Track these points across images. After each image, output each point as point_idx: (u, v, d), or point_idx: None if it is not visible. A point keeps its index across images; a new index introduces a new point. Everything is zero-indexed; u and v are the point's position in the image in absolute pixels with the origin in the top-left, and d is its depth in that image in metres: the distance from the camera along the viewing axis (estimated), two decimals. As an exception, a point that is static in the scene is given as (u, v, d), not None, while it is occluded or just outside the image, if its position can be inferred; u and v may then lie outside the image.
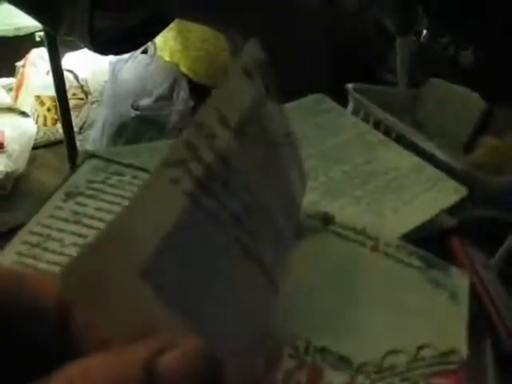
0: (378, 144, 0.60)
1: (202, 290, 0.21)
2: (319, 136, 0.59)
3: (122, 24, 1.02)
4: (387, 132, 0.65)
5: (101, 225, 0.34)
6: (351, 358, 0.28)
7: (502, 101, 0.74)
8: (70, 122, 1.73)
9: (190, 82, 1.90)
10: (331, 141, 0.58)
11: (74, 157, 1.70)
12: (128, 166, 0.41)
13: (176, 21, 1.54)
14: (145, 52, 1.92)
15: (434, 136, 0.71)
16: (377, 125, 0.67)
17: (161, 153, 0.46)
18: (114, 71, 1.84)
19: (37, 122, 1.95)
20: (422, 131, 0.69)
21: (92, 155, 0.42)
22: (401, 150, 0.59)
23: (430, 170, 0.57)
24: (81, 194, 0.37)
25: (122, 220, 0.19)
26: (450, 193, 0.54)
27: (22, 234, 0.33)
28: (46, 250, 0.32)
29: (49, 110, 1.98)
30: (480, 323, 0.47)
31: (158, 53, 1.94)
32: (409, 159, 0.58)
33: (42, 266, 0.31)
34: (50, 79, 1.72)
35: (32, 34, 1.97)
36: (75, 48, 1.94)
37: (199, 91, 1.88)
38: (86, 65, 1.99)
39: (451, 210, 0.55)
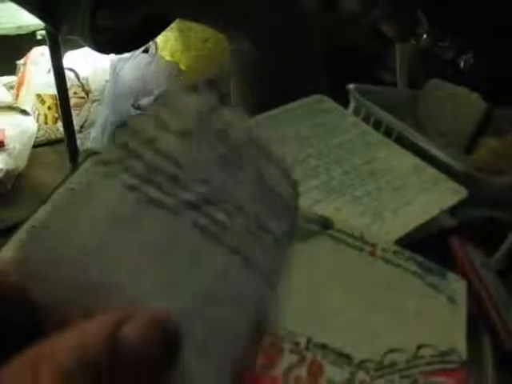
0: (378, 144, 0.60)
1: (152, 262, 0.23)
2: (320, 136, 0.59)
3: (124, 23, 1.02)
4: (388, 132, 0.65)
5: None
6: (351, 354, 0.29)
7: (501, 101, 0.74)
8: (71, 120, 1.73)
9: (190, 81, 1.90)
10: (332, 141, 0.59)
11: (74, 155, 1.70)
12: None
13: (177, 21, 1.54)
14: (146, 51, 1.92)
15: (435, 136, 0.72)
16: (377, 125, 0.67)
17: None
18: (115, 70, 1.84)
19: (37, 121, 1.95)
20: (422, 131, 0.69)
21: (93, 153, 0.42)
22: (401, 150, 0.60)
23: (430, 170, 0.57)
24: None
25: (63, 210, 0.22)
26: (450, 194, 0.54)
27: (23, 232, 0.33)
28: None
29: (49, 108, 1.98)
30: (479, 322, 0.48)
31: (159, 52, 1.94)
32: (409, 160, 0.59)
33: None
34: (50, 78, 1.72)
35: (33, 33, 1.97)
36: (76, 47, 1.94)
37: (200, 91, 1.88)
38: (87, 63, 1.99)
39: (451, 210, 0.55)
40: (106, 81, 1.92)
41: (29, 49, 2.01)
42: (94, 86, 2.00)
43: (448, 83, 0.80)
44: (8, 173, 1.73)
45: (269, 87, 0.91)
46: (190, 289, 0.24)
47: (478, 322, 0.48)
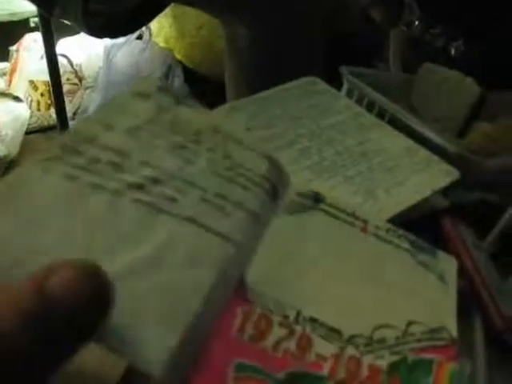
0: (371, 126, 0.60)
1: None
2: (312, 117, 0.59)
3: (117, 7, 1.01)
4: (381, 114, 0.65)
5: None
6: (341, 329, 0.28)
7: (494, 86, 0.74)
8: (64, 107, 1.73)
9: (184, 68, 1.89)
10: (324, 122, 0.58)
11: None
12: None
13: (172, 7, 1.53)
14: (140, 38, 1.91)
15: (428, 120, 0.71)
16: (370, 107, 0.67)
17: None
18: (109, 57, 1.83)
19: (30, 107, 1.94)
20: (416, 115, 0.69)
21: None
22: (394, 132, 0.59)
23: (423, 152, 0.57)
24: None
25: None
26: (442, 175, 0.54)
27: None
28: None
29: (42, 95, 1.97)
30: (471, 304, 0.48)
31: (153, 39, 1.93)
32: (402, 141, 0.58)
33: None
34: (43, 64, 1.71)
35: (26, 20, 1.96)
36: (70, 33, 1.93)
37: (194, 78, 1.87)
38: (80, 50, 1.98)
39: (443, 192, 0.55)
40: (100, 67, 1.91)
41: (22, 36, 2.00)
42: (87, 72, 1.99)
43: (442, 68, 0.79)
44: (0, 159, 1.72)
45: (264, 73, 0.91)
46: (129, 253, 0.25)
47: (469, 304, 0.48)
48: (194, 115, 0.34)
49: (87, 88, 1.98)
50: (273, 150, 0.52)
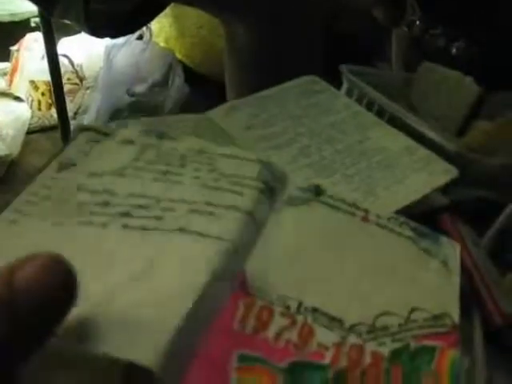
0: (370, 124, 0.60)
1: None
2: (312, 115, 0.59)
3: (117, 7, 1.02)
4: (380, 113, 0.65)
5: (94, 195, 0.34)
6: (343, 318, 0.28)
7: (493, 86, 0.74)
8: (65, 107, 1.73)
9: (185, 68, 1.90)
10: (324, 120, 0.58)
11: (67, 142, 1.69)
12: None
13: (172, 7, 1.53)
14: (140, 38, 1.91)
15: (428, 119, 0.71)
16: (370, 106, 0.67)
17: (153, 128, 0.46)
18: (109, 57, 1.83)
19: (31, 107, 1.95)
20: (415, 114, 0.69)
21: (86, 128, 0.42)
22: (393, 130, 0.60)
23: (422, 150, 0.57)
24: (74, 165, 0.37)
25: None
26: (442, 173, 0.54)
27: (16, 203, 0.33)
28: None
29: (43, 94, 1.97)
30: (470, 300, 0.48)
31: (154, 39, 1.93)
32: (401, 140, 0.58)
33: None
34: (44, 64, 1.71)
35: (27, 20, 1.96)
36: (71, 33, 1.94)
37: (194, 78, 1.88)
38: (81, 50, 1.99)
39: (443, 190, 0.55)
40: (100, 67, 1.91)
41: (23, 36, 2.01)
42: (87, 72, 1.99)
43: (442, 67, 0.79)
44: (1, 159, 1.72)
45: (264, 73, 0.91)
46: (118, 270, 0.25)
47: (468, 301, 0.48)
48: (178, 143, 0.35)
49: (88, 88, 1.98)
50: (272, 148, 0.53)
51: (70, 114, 1.85)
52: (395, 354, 0.28)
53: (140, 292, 0.24)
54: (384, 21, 0.82)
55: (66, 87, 1.85)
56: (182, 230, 0.28)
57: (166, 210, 0.30)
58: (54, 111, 1.88)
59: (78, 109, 1.98)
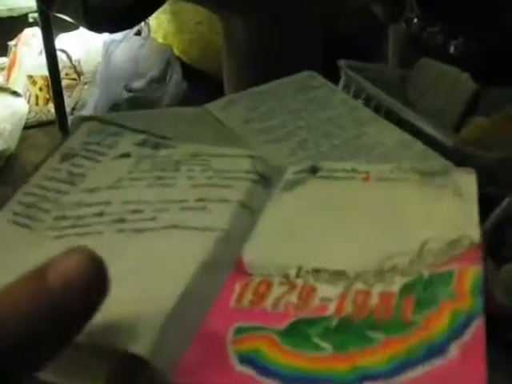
0: (367, 120, 0.60)
1: None
2: (309, 110, 0.59)
3: (116, 2, 1.02)
4: (377, 108, 0.65)
5: (94, 186, 0.34)
6: (346, 270, 0.27)
7: (492, 83, 0.75)
8: (62, 102, 1.73)
9: (183, 64, 1.90)
10: (321, 115, 0.59)
11: (68, 133, 1.69)
12: (124, 127, 0.41)
13: (170, 3, 1.53)
14: (138, 33, 1.91)
15: (425, 115, 0.72)
16: (367, 101, 0.67)
17: (154, 119, 0.46)
18: (107, 52, 1.83)
19: (29, 102, 1.95)
20: (412, 110, 0.70)
21: (88, 118, 0.42)
22: (390, 126, 0.60)
23: (419, 146, 0.57)
24: (76, 155, 0.37)
25: None
26: (438, 168, 0.55)
27: (19, 195, 0.34)
28: (41, 210, 0.32)
29: (41, 89, 1.97)
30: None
31: (152, 35, 1.93)
32: (397, 135, 0.59)
33: (36, 225, 0.31)
34: (42, 59, 1.71)
35: (25, 15, 1.96)
36: (69, 28, 1.94)
37: (192, 74, 1.88)
38: (79, 45, 1.98)
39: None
40: (99, 63, 1.91)
41: (21, 31, 2.00)
42: (86, 67, 1.99)
43: (439, 63, 0.80)
44: (-2, 153, 1.72)
45: (262, 69, 0.91)
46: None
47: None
48: (174, 150, 0.36)
49: (86, 83, 1.98)
50: (271, 141, 0.53)
51: (68, 109, 1.85)
52: (406, 288, 0.25)
53: (131, 285, 0.24)
54: (383, 17, 0.82)
55: (64, 82, 1.85)
56: (174, 226, 0.29)
57: (159, 211, 0.30)
58: (51, 106, 1.88)
59: (75, 104, 1.98)
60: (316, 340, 0.23)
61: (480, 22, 0.91)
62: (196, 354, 0.22)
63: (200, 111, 0.55)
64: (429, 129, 0.62)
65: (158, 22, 1.90)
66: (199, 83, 1.78)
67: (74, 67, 1.97)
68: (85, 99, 1.95)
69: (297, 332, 0.24)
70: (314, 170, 0.35)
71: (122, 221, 0.30)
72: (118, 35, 1.83)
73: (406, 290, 0.25)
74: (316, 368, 0.22)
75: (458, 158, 0.56)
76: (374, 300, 0.25)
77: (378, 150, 0.55)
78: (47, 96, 1.95)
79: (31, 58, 1.94)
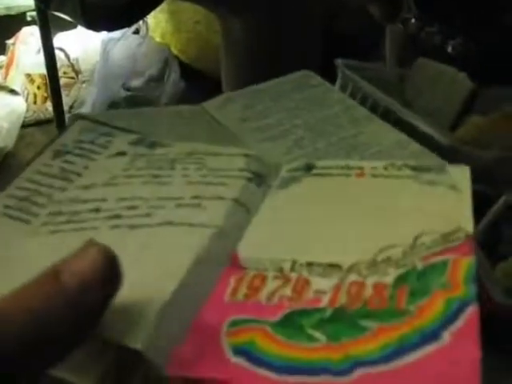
0: (363, 119, 0.60)
1: None
2: (306, 109, 0.59)
3: (114, 0, 1.02)
4: (374, 107, 0.65)
5: (90, 183, 0.34)
6: (340, 263, 0.27)
7: (488, 81, 0.75)
8: (60, 100, 1.73)
9: (180, 63, 1.90)
10: (317, 114, 0.59)
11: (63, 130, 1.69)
12: (116, 127, 0.41)
13: (168, 2, 1.53)
14: (136, 32, 1.91)
15: (422, 115, 0.72)
16: (364, 100, 0.67)
17: (148, 118, 0.46)
18: (105, 51, 1.83)
19: (26, 100, 1.95)
20: (409, 109, 0.70)
21: (81, 117, 0.42)
22: (386, 125, 0.60)
23: (414, 145, 0.57)
24: (69, 152, 0.37)
25: None
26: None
27: (10, 189, 0.34)
28: (34, 203, 0.33)
29: (39, 88, 1.97)
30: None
31: (150, 34, 1.93)
32: (393, 135, 0.59)
33: (29, 218, 0.32)
34: (40, 57, 1.71)
35: (23, 14, 1.96)
36: (67, 27, 1.93)
37: (190, 73, 1.88)
38: (77, 44, 1.98)
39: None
40: (97, 61, 1.91)
41: (18, 29, 2.00)
42: (83, 66, 1.99)
43: (437, 63, 0.80)
44: (-4, 152, 1.72)
45: (260, 68, 0.91)
46: None
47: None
48: (169, 149, 0.36)
49: (84, 82, 1.98)
50: (267, 139, 0.53)
51: (66, 107, 1.85)
52: (400, 279, 0.26)
53: (126, 279, 0.24)
54: (379, 18, 0.83)
55: (62, 81, 1.85)
56: (169, 223, 0.29)
57: (155, 208, 0.30)
58: (49, 105, 1.88)
59: (73, 102, 1.98)
60: (310, 331, 0.23)
61: (477, 22, 0.91)
62: (191, 346, 0.23)
63: (197, 110, 0.56)
64: (425, 128, 0.62)
65: (156, 21, 1.90)
66: (197, 82, 1.79)
67: (72, 66, 1.97)
68: (83, 98, 1.95)
69: (290, 323, 0.24)
70: (308, 168, 0.35)
71: (117, 217, 0.30)
72: (116, 34, 1.83)
73: (399, 280, 0.25)
74: (309, 358, 0.22)
75: (455, 156, 0.56)
76: (368, 291, 0.25)
77: (374, 149, 0.55)
78: (45, 94, 1.95)
79: (29, 57, 1.94)
